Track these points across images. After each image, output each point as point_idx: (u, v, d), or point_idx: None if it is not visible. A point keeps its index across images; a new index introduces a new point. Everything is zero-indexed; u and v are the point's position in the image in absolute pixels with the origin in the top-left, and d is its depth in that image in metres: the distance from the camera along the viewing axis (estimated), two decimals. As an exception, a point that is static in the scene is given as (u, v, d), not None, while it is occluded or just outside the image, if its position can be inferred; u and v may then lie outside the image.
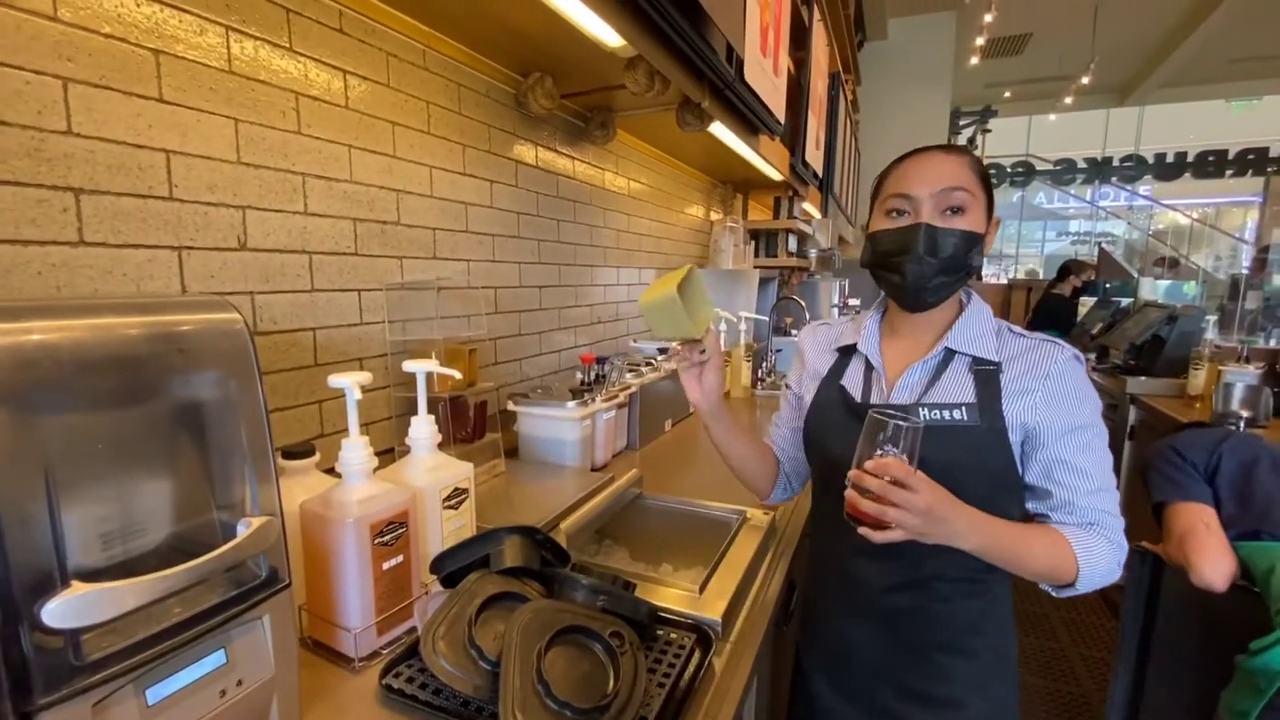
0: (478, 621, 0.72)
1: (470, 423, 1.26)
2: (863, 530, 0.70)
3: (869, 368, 0.90)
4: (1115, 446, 2.90)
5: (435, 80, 1.29)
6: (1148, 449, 1.46)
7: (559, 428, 1.42)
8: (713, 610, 0.89)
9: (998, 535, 0.74)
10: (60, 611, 0.47)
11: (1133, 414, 2.87)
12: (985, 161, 6.92)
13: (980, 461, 0.78)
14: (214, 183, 0.90)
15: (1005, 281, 6.49)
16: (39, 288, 0.73)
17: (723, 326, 2.43)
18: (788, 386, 1.07)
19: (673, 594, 0.93)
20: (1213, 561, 1.19)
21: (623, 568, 1.12)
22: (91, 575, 0.51)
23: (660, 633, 0.84)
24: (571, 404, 1.39)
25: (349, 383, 0.76)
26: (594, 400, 1.45)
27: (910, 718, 0.88)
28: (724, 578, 1.00)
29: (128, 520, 0.55)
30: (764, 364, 2.76)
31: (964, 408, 0.79)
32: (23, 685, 0.46)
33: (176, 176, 0.85)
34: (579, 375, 1.59)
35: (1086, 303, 4.48)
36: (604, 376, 1.58)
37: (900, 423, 0.68)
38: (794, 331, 3.26)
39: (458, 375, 0.89)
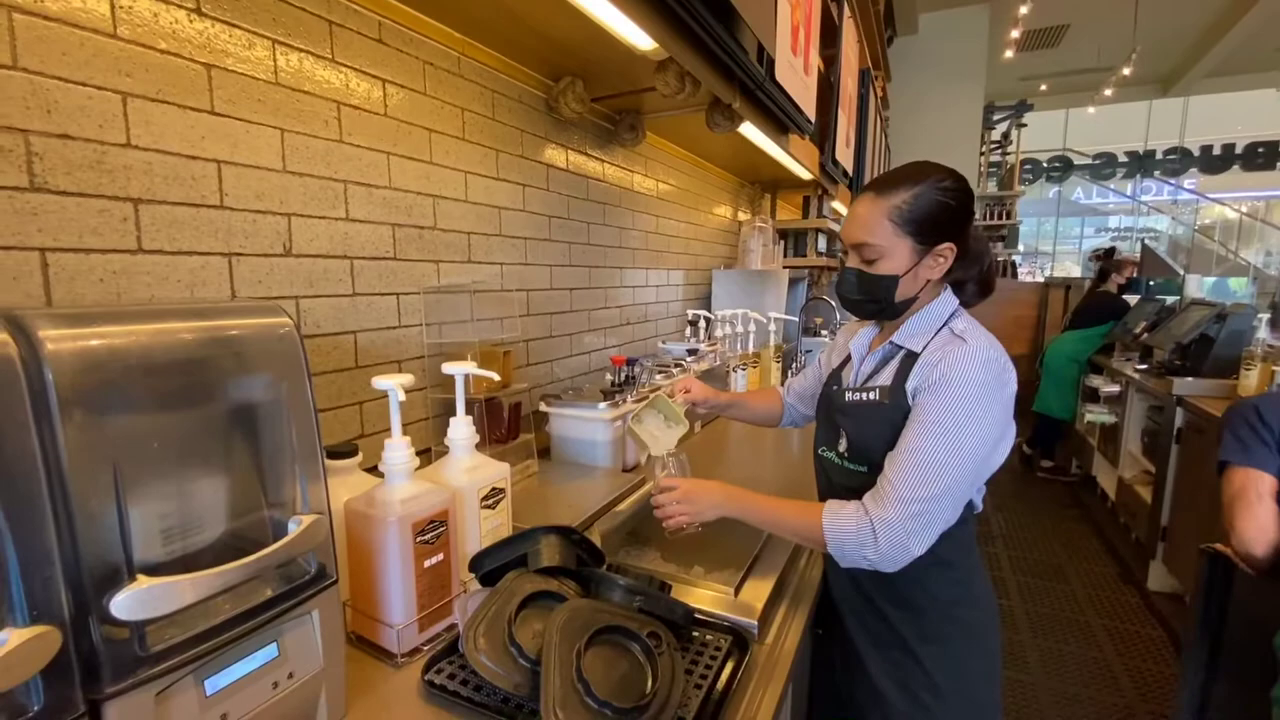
0: (517, 620, 0.73)
1: (505, 423, 1.28)
2: (665, 525, 0.98)
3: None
4: (1160, 450, 2.83)
5: (470, 87, 1.32)
6: (1228, 412, 1.44)
7: (591, 429, 1.43)
8: (748, 612, 0.89)
9: (751, 504, 0.95)
10: (128, 604, 0.49)
11: (1179, 416, 2.77)
12: (1021, 157, 6.77)
13: (883, 430, 0.92)
14: (261, 191, 0.93)
15: (1042, 280, 6.31)
16: (100, 294, 0.76)
17: (751, 327, 2.42)
18: (820, 363, 1.27)
19: (708, 595, 0.93)
20: (1256, 527, 1.20)
21: (655, 569, 1.12)
22: (153, 570, 0.53)
23: (696, 634, 0.84)
24: (603, 405, 1.40)
25: (393, 385, 0.77)
26: (625, 401, 1.45)
27: (868, 656, 1.01)
28: (759, 580, 0.99)
29: (187, 517, 0.57)
30: (794, 365, 2.74)
31: (878, 389, 0.95)
32: (93, 674, 0.48)
33: (227, 186, 0.88)
34: (609, 376, 1.60)
35: (1130, 300, 4.34)
36: (634, 378, 1.59)
37: (666, 456, 1.09)
38: (824, 332, 3.22)
39: (496, 377, 0.91)
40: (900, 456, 0.85)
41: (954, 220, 0.91)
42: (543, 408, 1.47)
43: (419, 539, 0.79)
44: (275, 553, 0.58)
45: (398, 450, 0.80)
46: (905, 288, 0.93)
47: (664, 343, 2.19)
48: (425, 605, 0.80)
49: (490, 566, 0.83)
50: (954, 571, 0.97)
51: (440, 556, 0.82)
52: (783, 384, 1.37)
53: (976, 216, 0.95)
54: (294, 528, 0.62)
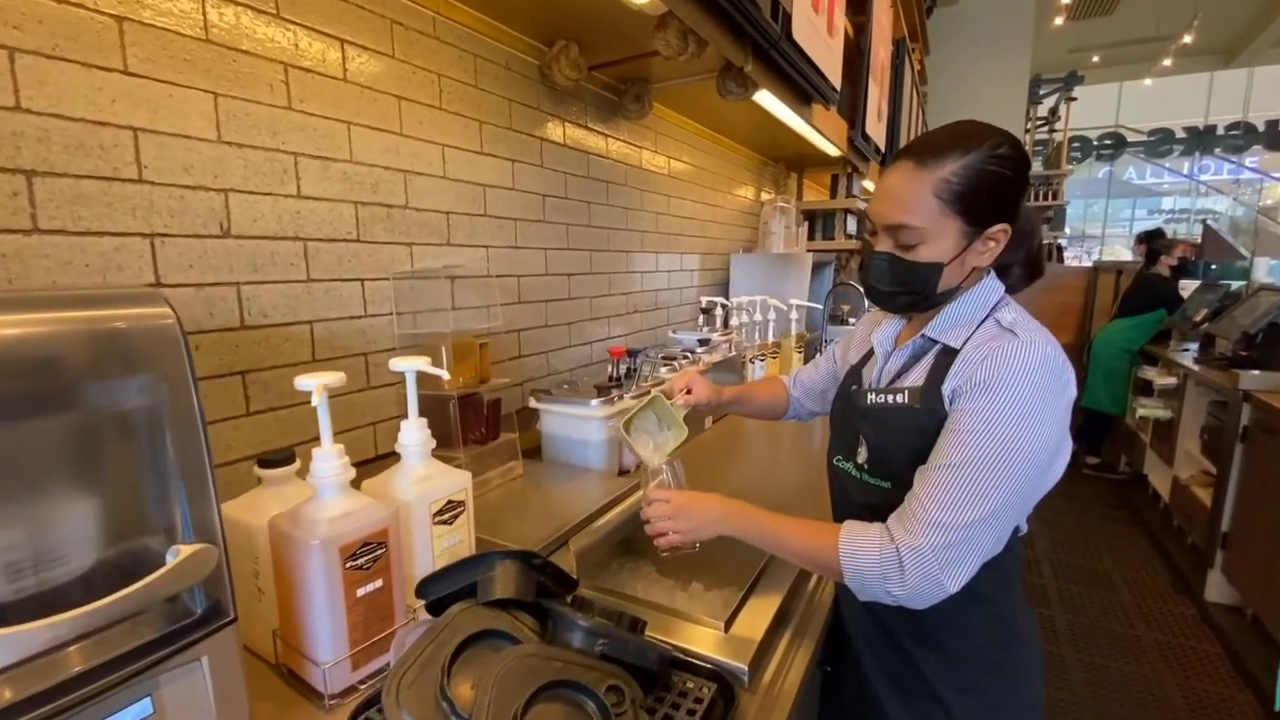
0: (456, 663, 0.62)
1: (484, 422, 1.17)
2: (656, 543, 0.86)
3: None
4: (1223, 450, 2.58)
5: (447, 51, 1.19)
6: None
7: (582, 427, 1.31)
8: (740, 652, 0.76)
9: (753, 523, 0.81)
10: (-91, 671, 0.38)
11: (1246, 413, 2.52)
12: (1069, 134, 6.37)
13: (912, 439, 0.78)
14: (191, 163, 0.82)
15: (1090, 264, 5.95)
16: (-14, 280, 0.66)
17: (771, 315, 2.26)
18: (834, 355, 1.15)
19: (694, 631, 0.81)
20: None
21: (643, 590, 1.01)
22: (-6, 613, 0.44)
23: (676, 679, 0.72)
24: (595, 402, 1.28)
25: (314, 385, 0.66)
26: (621, 397, 1.33)
27: (888, 701, 0.88)
28: (761, 600, 0.87)
29: (40, 547, 0.47)
30: (817, 355, 2.57)
31: (907, 391, 0.80)
32: None
33: (146, 157, 0.78)
34: (610, 369, 1.48)
35: (1186, 286, 4.02)
36: (635, 370, 1.46)
37: (662, 465, 0.95)
38: (851, 320, 3.04)
39: (446, 376, 0.79)
40: (934, 473, 0.71)
41: (1011, 196, 0.76)
42: (532, 403, 1.36)
43: (349, 564, 0.68)
44: (132, 595, 0.48)
45: (327, 460, 0.69)
46: (949, 277, 0.78)
47: (675, 332, 2.05)
48: (359, 639, 0.70)
49: (439, 594, 0.72)
50: (994, 608, 0.82)
51: (379, 583, 0.71)
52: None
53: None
54: (171, 559, 0.52)
